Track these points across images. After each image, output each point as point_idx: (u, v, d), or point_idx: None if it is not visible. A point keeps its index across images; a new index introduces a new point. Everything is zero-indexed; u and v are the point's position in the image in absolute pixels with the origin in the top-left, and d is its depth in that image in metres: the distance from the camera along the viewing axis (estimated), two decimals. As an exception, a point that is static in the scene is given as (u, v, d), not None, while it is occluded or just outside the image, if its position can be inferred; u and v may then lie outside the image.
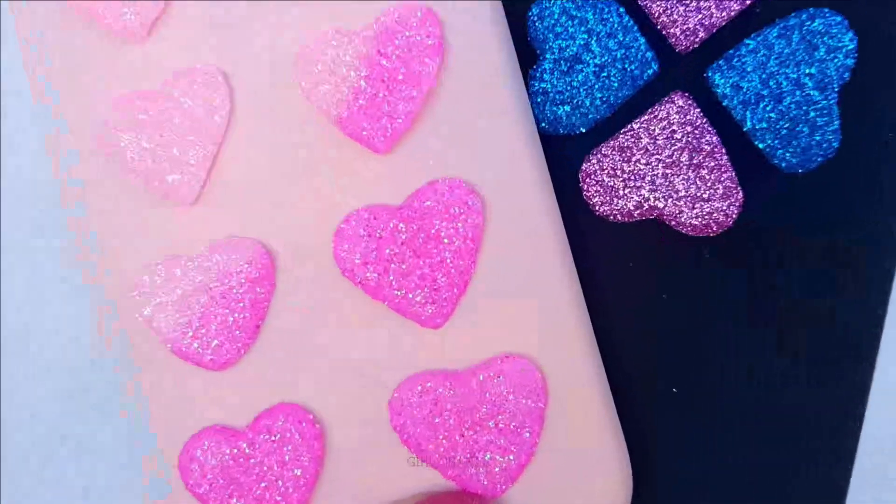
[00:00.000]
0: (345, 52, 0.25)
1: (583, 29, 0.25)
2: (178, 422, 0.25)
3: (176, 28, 0.26)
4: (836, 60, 0.24)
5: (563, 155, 0.26)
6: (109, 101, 0.26)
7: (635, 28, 0.25)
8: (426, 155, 0.25)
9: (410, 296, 0.24)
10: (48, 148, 0.27)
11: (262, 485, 0.25)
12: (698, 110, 0.25)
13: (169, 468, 0.25)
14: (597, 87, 0.25)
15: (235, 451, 0.25)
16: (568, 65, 0.26)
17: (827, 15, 0.24)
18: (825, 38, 0.24)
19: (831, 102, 0.24)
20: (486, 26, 0.25)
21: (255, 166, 0.25)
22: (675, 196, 0.25)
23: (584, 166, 0.26)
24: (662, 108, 0.25)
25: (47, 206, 0.28)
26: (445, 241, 0.24)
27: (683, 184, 0.25)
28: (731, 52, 0.25)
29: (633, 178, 0.25)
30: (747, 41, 0.25)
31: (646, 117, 0.25)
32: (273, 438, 0.25)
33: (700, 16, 0.25)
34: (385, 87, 0.25)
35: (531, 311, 0.24)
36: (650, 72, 0.25)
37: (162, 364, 0.25)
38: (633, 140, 0.25)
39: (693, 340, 0.25)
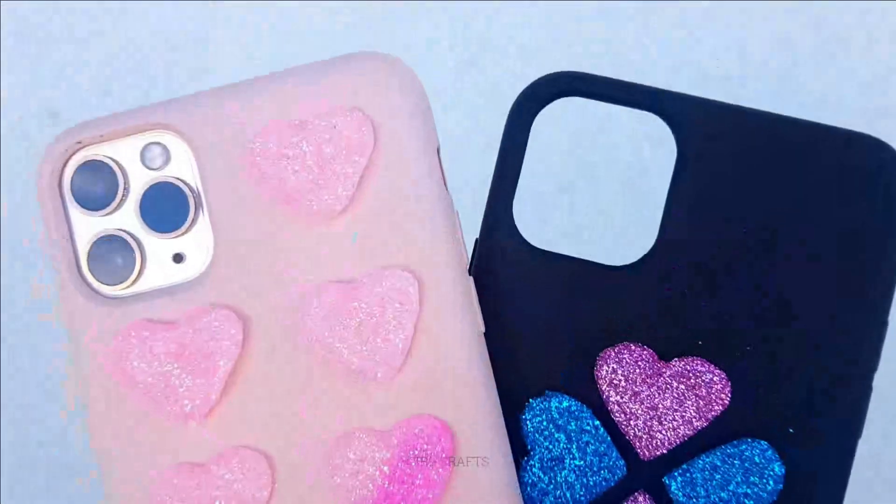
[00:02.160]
0: (373, 453, 0.30)
1: (565, 437, 0.31)
2: None
3: (229, 406, 0.31)
4: (767, 486, 0.30)
5: (549, 538, 0.31)
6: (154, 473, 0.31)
7: (609, 439, 0.31)
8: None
9: None
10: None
11: None
12: (658, 512, 0.31)
13: None
14: (577, 485, 0.31)
15: None
16: (553, 463, 0.31)
17: (758, 448, 0.30)
18: (758, 466, 0.30)
19: (764, 519, 0.30)
20: (488, 433, 0.30)
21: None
22: (637, 589, 0.30)
23: (563, 550, 0.31)
24: (628, 506, 0.31)
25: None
26: None
27: (645, 580, 0.30)
28: (685, 465, 0.31)
29: (603, 565, 0.31)
30: (697, 459, 0.31)
31: (614, 514, 0.31)
32: None
33: (661, 436, 0.31)
34: (405, 489, 0.30)
35: None
36: (620, 475, 0.31)
37: None
38: (604, 531, 0.31)
39: None
